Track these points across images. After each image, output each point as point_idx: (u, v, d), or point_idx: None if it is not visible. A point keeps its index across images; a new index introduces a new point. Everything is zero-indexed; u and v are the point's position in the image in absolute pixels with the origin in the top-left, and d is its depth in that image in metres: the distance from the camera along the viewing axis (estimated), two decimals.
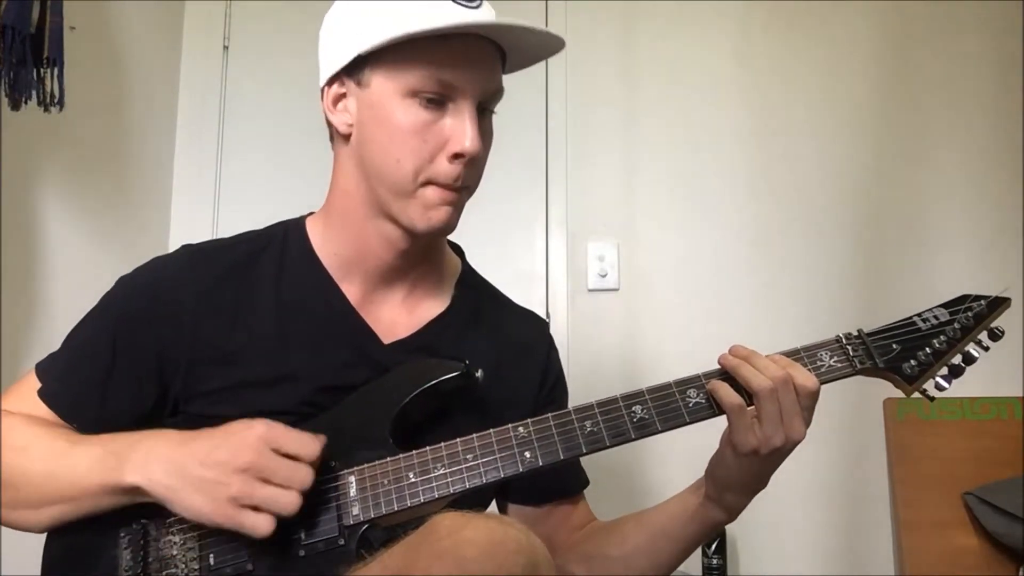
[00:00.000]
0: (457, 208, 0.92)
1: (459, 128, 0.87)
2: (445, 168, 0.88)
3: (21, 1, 1.37)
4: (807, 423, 0.85)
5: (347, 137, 0.93)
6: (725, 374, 0.88)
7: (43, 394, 0.90)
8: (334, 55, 0.91)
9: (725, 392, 0.86)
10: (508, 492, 1.04)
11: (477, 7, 0.87)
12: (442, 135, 0.87)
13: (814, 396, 0.85)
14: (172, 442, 0.81)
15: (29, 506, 0.86)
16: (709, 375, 0.89)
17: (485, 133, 0.91)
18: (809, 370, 0.88)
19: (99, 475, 0.82)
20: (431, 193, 0.89)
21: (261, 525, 0.76)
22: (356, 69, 0.89)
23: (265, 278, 0.95)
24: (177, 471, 0.78)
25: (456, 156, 0.87)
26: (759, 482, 0.90)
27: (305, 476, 0.78)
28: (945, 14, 2.09)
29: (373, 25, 0.86)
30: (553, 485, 1.05)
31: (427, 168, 0.88)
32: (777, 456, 0.86)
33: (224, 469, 0.77)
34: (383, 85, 0.88)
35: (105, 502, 0.83)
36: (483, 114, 0.91)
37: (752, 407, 0.85)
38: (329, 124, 0.96)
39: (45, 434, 0.87)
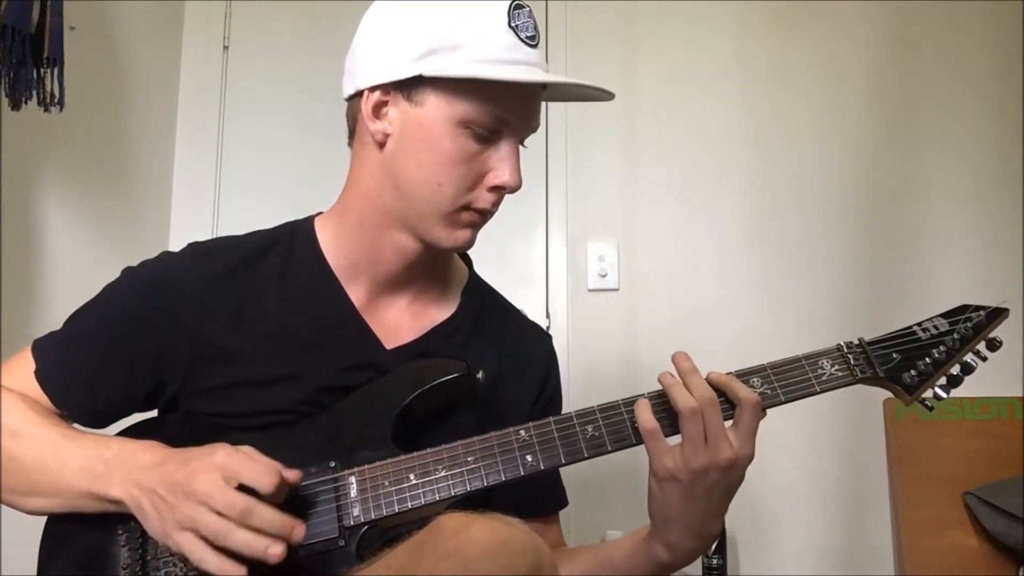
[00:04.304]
0: (480, 228, 0.94)
1: (504, 162, 0.89)
2: (484, 196, 0.90)
3: (21, 1, 1.37)
4: (739, 447, 0.81)
5: (380, 145, 0.91)
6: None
7: (39, 376, 0.91)
8: (386, 64, 0.88)
9: (643, 416, 0.83)
10: (490, 500, 1.03)
11: (536, 45, 0.89)
12: (486, 165, 0.89)
13: (756, 410, 0.82)
14: (155, 460, 0.81)
15: (18, 492, 0.86)
16: (651, 394, 0.87)
17: None
18: (811, 378, 0.87)
19: (87, 481, 0.82)
20: (464, 216, 0.91)
21: (192, 551, 0.75)
22: (411, 86, 0.88)
23: (270, 277, 0.95)
24: (147, 490, 0.79)
25: (497, 188, 0.90)
26: (698, 519, 0.83)
27: (250, 511, 0.75)
28: (945, 14, 2.09)
29: (439, 47, 0.85)
30: (532, 499, 1.02)
31: (466, 195, 0.90)
32: (702, 483, 0.81)
33: (175, 492, 0.76)
34: (438, 109, 0.87)
35: (91, 506, 0.84)
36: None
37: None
38: (354, 125, 0.95)
39: (40, 423, 0.87)
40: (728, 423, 0.83)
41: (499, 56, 0.86)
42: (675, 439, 0.84)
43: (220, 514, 0.74)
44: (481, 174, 0.89)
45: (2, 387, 0.91)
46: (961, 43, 2.08)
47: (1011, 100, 2.04)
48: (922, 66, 2.08)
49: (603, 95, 0.93)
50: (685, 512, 0.83)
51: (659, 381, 0.86)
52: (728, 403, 0.84)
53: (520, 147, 0.93)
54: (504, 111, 0.87)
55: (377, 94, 0.89)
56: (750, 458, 0.82)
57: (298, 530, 0.77)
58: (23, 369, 0.92)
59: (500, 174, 0.89)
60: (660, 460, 0.82)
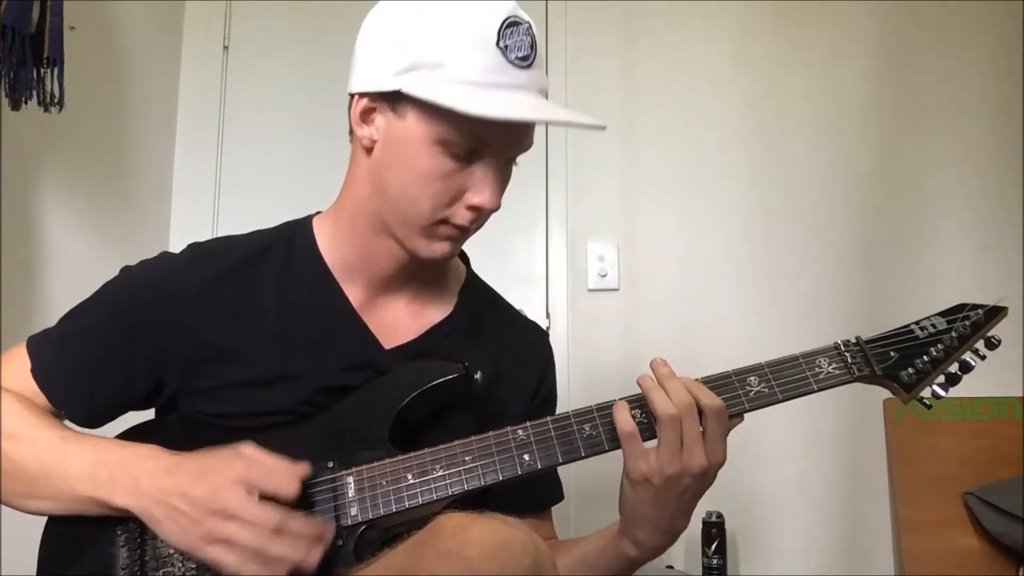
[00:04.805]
0: (462, 241, 0.93)
1: (482, 183, 0.87)
2: (462, 213, 0.89)
3: (21, 1, 1.37)
4: (710, 454, 0.81)
5: (368, 150, 0.91)
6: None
7: (36, 374, 0.91)
8: (373, 72, 0.87)
9: (622, 418, 0.84)
10: (486, 497, 1.02)
11: (528, 65, 0.85)
12: (464, 183, 0.87)
13: (721, 417, 0.83)
14: (161, 467, 0.81)
15: (16, 495, 0.86)
16: (631, 398, 0.87)
17: (506, 181, 0.91)
18: (808, 377, 0.88)
19: (90, 488, 0.82)
20: (444, 230, 0.90)
21: (228, 563, 0.76)
22: (395, 98, 0.86)
23: (269, 277, 0.95)
24: (160, 501, 0.79)
25: (474, 207, 0.88)
26: (667, 518, 0.84)
27: (275, 520, 0.77)
28: (945, 14, 2.09)
29: (421, 63, 0.83)
30: (529, 495, 1.03)
31: (444, 211, 0.88)
32: (674, 488, 0.82)
33: (199, 508, 0.77)
34: (417, 126, 0.85)
35: (93, 511, 0.84)
36: (507, 165, 0.91)
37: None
38: (351, 125, 0.94)
39: (37, 423, 0.87)
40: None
41: (479, 79, 0.82)
42: (650, 443, 0.84)
43: (250, 525, 0.76)
44: (460, 191, 0.87)
45: (1, 388, 0.90)
46: (961, 43, 2.08)
47: (1011, 100, 2.04)
48: (922, 66, 2.08)
49: (594, 126, 0.89)
50: (654, 513, 0.84)
51: (638, 384, 0.86)
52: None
53: (513, 163, 0.91)
54: (483, 134, 0.84)
55: (365, 100, 0.89)
56: (721, 464, 0.83)
57: (328, 531, 0.80)
58: (18, 366, 0.91)
59: (479, 194, 0.87)
60: (635, 463, 0.83)
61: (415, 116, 0.85)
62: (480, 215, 0.89)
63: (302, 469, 0.81)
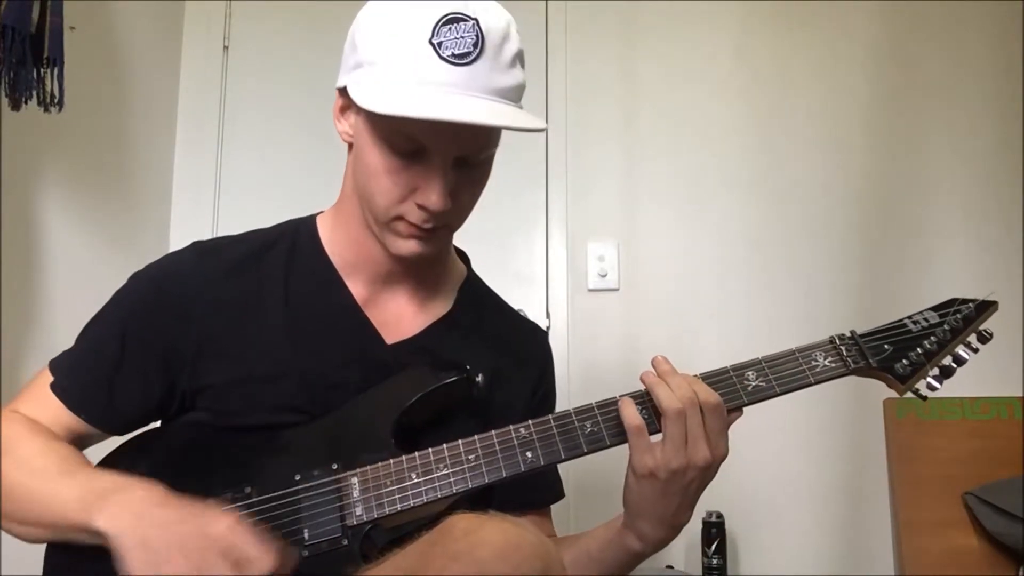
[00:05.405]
0: (431, 241, 0.90)
1: (428, 183, 0.85)
2: (414, 211, 0.87)
3: (21, 1, 1.37)
4: (713, 448, 0.83)
5: (350, 147, 0.93)
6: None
7: (54, 387, 0.90)
8: (342, 69, 0.89)
9: (628, 413, 0.85)
10: (490, 496, 1.00)
11: (467, 63, 0.81)
12: (413, 181, 0.86)
13: (719, 412, 0.84)
14: (151, 501, 0.77)
15: (15, 520, 0.85)
16: (635, 394, 0.88)
17: (470, 183, 0.89)
18: (805, 370, 0.89)
19: (76, 512, 0.78)
20: (402, 227, 0.89)
21: None
22: (349, 95, 0.86)
23: (273, 274, 0.95)
24: (138, 531, 0.74)
25: (422, 207, 0.86)
26: (671, 511, 0.85)
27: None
28: (945, 14, 2.09)
29: (363, 61, 0.84)
30: (531, 493, 1.03)
31: (397, 208, 0.87)
32: (679, 481, 0.83)
33: (172, 548, 0.72)
34: (365, 122, 0.87)
35: (80, 538, 0.80)
36: (466, 166, 0.87)
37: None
38: None
39: (42, 451, 0.85)
40: None
41: (408, 77, 0.81)
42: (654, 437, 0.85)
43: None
44: (411, 188, 0.86)
45: (9, 413, 0.90)
46: (961, 43, 2.08)
47: (1011, 100, 2.04)
48: (922, 66, 2.09)
49: (533, 130, 0.85)
50: (659, 506, 0.85)
51: (642, 380, 0.87)
52: None
53: (483, 162, 0.89)
54: (415, 133, 0.82)
55: (342, 98, 0.90)
56: (724, 457, 0.84)
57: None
58: (39, 389, 0.91)
59: (425, 194, 0.85)
60: (641, 457, 0.84)
61: (363, 114, 0.86)
62: (434, 216, 0.87)
63: (280, 554, 0.75)
